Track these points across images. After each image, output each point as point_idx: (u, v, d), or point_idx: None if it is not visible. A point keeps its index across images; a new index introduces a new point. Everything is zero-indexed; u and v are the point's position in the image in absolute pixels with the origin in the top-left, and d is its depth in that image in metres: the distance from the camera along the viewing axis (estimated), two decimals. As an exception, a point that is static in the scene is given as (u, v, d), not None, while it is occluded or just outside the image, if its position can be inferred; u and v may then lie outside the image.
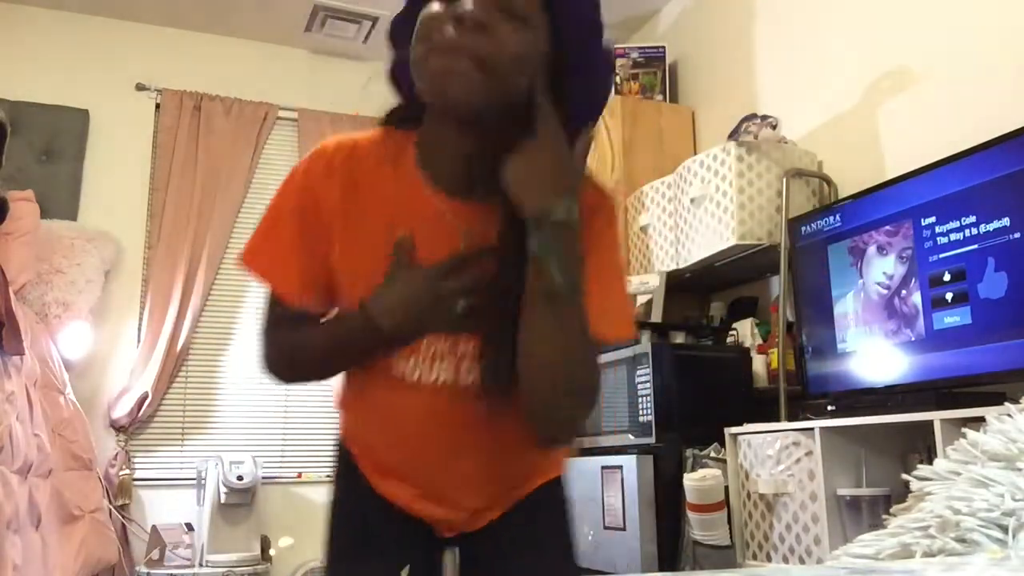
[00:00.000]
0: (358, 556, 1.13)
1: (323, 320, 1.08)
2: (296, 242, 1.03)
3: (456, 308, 0.99)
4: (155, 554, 2.96)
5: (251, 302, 3.49)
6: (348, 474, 1.17)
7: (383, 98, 1.19)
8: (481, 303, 0.99)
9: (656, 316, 2.68)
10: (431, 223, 1.01)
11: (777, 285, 2.51)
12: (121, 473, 3.11)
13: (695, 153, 3.00)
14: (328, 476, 3.34)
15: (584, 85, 1.01)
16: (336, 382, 1.18)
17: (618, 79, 3.22)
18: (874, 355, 2.05)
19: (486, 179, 0.98)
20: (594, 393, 0.99)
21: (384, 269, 1.00)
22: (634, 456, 2.28)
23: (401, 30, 1.02)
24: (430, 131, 1.03)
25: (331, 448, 1.24)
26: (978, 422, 1.44)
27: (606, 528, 2.34)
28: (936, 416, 1.63)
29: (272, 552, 3.19)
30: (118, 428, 3.19)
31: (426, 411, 1.05)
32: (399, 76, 1.09)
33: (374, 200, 1.03)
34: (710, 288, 2.99)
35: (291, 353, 1.09)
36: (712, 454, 2.24)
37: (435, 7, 0.95)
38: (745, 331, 2.64)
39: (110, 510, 2.90)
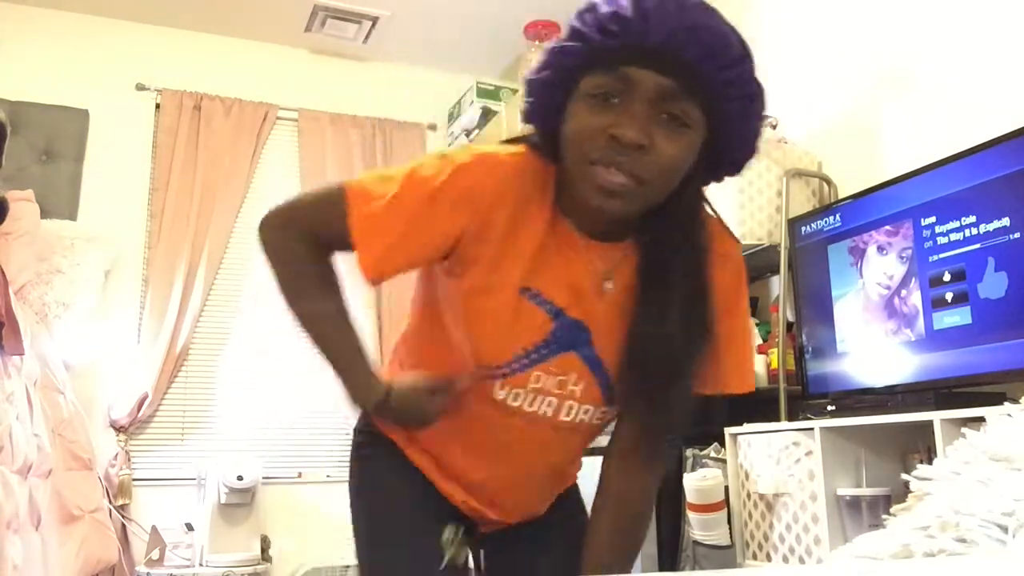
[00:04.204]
0: (407, 526, 1.16)
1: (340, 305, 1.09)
2: (409, 227, 1.00)
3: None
4: (155, 554, 2.96)
5: (251, 302, 3.49)
6: (388, 456, 1.19)
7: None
8: (612, 344, 1.04)
9: (656, 316, 2.68)
10: (574, 262, 1.04)
11: (777, 285, 2.51)
12: (121, 473, 3.11)
13: (695, 153, 2.99)
14: (329, 476, 3.38)
15: (738, 151, 1.01)
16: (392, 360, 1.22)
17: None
18: (874, 355, 2.05)
19: (622, 228, 1.04)
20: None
21: (511, 302, 1.02)
22: (634, 456, 2.27)
23: (541, 87, 0.99)
24: (572, 195, 1.01)
25: (356, 431, 1.27)
26: (978, 422, 1.44)
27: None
28: (936, 416, 1.63)
29: (272, 552, 3.18)
30: (118, 428, 3.18)
31: (519, 434, 1.10)
32: (535, 118, 1.04)
33: (521, 232, 1.02)
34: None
35: (292, 279, 1.09)
36: (712, 454, 2.24)
37: (588, 113, 0.93)
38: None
39: (110, 510, 2.90)
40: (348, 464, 1.26)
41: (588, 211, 1.00)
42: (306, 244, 1.06)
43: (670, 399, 1.04)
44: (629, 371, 1.04)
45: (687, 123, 0.92)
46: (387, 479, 1.20)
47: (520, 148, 1.04)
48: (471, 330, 1.04)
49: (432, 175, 0.99)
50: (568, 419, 1.08)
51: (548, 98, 0.99)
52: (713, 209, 1.08)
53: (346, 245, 1.02)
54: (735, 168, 1.03)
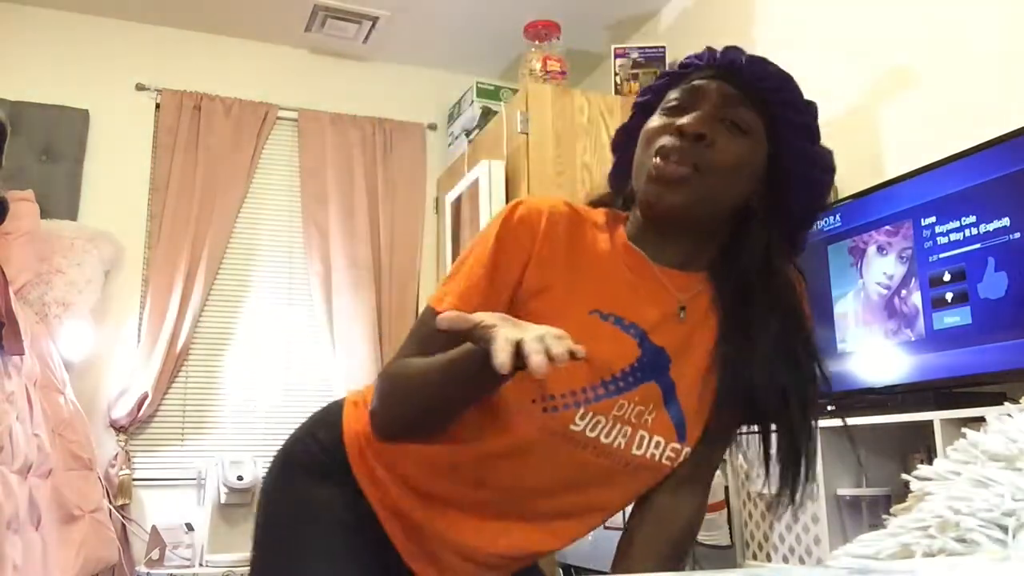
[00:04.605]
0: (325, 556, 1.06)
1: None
2: (485, 281, 1.00)
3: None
4: (155, 554, 2.96)
5: (251, 302, 3.49)
6: (342, 479, 1.09)
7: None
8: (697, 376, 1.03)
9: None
10: (650, 287, 1.04)
11: (777, 285, 2.50)
12: (121, 473, 3.11)
13: (695, 153, 2.99)
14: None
15: (802, 190, 1.06)
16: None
17: (618, 79, 3.22)
18: (874, 355, 2.05)
19: (696, 256, 1.06)
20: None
21: (581, 319, 0.99)
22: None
23: (623, 140, 1.10)
24: (640, 220, 1.05)
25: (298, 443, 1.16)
26: (978, 422, 1.44)
27: (606, 528, 2.33)
28: (936, 416, 1.63)
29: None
30: (118, 428, 3.18)
31: (578, 470, 1.03)
32: (616, 179, 1.14)
33: (592, 256, 1.03)
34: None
35: (402, 383, 1.00)
36: (712, 454, 2.24)
37: (658, 120, 1.02)
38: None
39: (110, 510, 2.90)
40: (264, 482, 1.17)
41: (659, 236, 1.03)
42: (408, 363, 1.01)
43: (799, 438, 1.03)
44: (727, 400, 1.04)
45: (747, 130, 1.00)
46: (314, 517, 1.08)
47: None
48: None
49: (490, 229, 1.03)
50: (640, 453, 1.03)
51: (629, 146, 1.06)
52: (796, 266, 1.11)
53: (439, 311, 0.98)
54: (805, 208, 1.07)
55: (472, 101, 3.61)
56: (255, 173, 3.59)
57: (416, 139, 3.84)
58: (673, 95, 1.03)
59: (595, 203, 1.12)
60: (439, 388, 0.96)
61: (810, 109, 1.04)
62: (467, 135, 3.60)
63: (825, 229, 2.23)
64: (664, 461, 1.04)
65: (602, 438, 1.00)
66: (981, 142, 1.83)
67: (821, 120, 1.07)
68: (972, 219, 1.82)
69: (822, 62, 2.58)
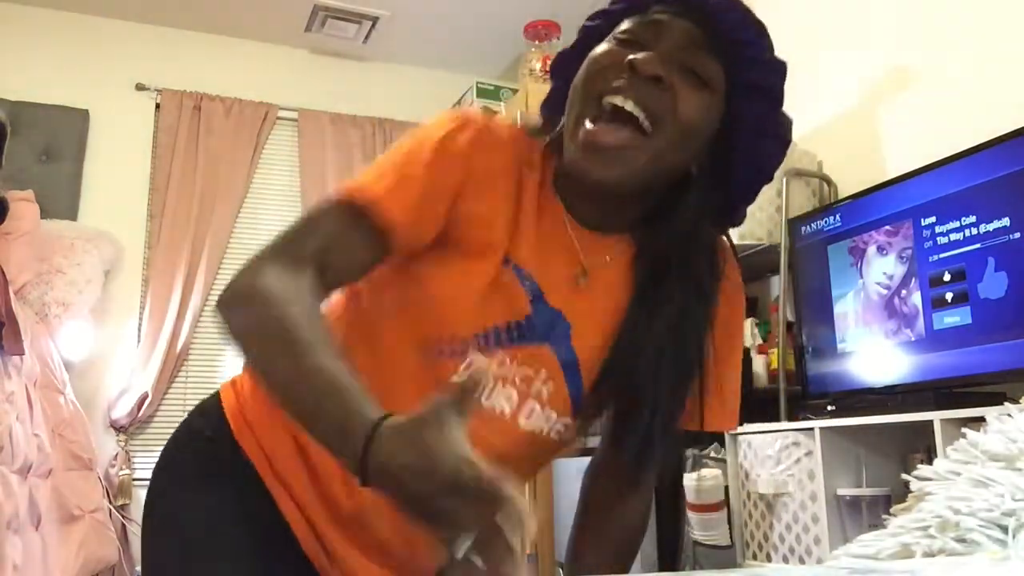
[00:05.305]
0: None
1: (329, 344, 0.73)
2: (420, 185, 0.85)
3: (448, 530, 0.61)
4: (155, 554, 2.96)
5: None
6: (233, 476, 0.90)
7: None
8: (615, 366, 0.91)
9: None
10: (559, 243, 0.92)
11: (777, 285, 2.51)
12: (121, 473, 3.11)
13: (695, 153, 3.00)
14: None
15: (751, 160, 0.92)
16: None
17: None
18: (874, 355, 2.05)
19: (618, 218, 0.93)
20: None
21: (493, 270, 0.87)
22: (634, 456, 2.27)
23: (565, 65, 0.93)
24: (567, 171, 0.91)
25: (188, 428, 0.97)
26: (978, 422, 1.44)
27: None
28: (936, 416, 1.63)
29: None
30: (118, 428, 3.19)
31: (494, 445, 0.84)
32: (550, 108, 0.97)
33: (518, 198, 0.91)
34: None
35: (265, 327, 0.74)
36: (712, 454, 2.24)
37: (606, 47, 0.87)
38: (745, 331, 2.64)
39: (110, 510, 2.90)
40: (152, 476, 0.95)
41: (582, 191, 0.91)
42: (287, 279, 0.77)
43: (654, 423, 0.90)
44: (609, 380, 0.92)
45: (708, 83, 0.85)
46: (206, 509, 0.89)
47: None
48: (440, 293, 0.87)
49: (431, 132, 0.88)
50: (527, 424, 0.90)
51: (569, 74, 0.90)
52: (726, 234, 0.99)
53: (369, 241, 0.83)
54: (749, 182, 0.94)
55: (472, 101, 3.61)
56: (255, 173, 3.59)
57: (416, 139, 3.84)
58: (627, 24, 0.87)
59: (533, 132, 0.96)
60: (303, 378, 0.70)
61: (780, 68, 0.90)
62: (467, 135, 3.59)
63: (825, 229, 2.23)
64: (552, 437, 0.93)
65: (482, 400, 0.87)
66: (981, 142, 1.83)
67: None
68: (972, 219, 1.81)
69: (822, 62, 2.58)
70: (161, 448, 0.97)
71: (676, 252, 0.91)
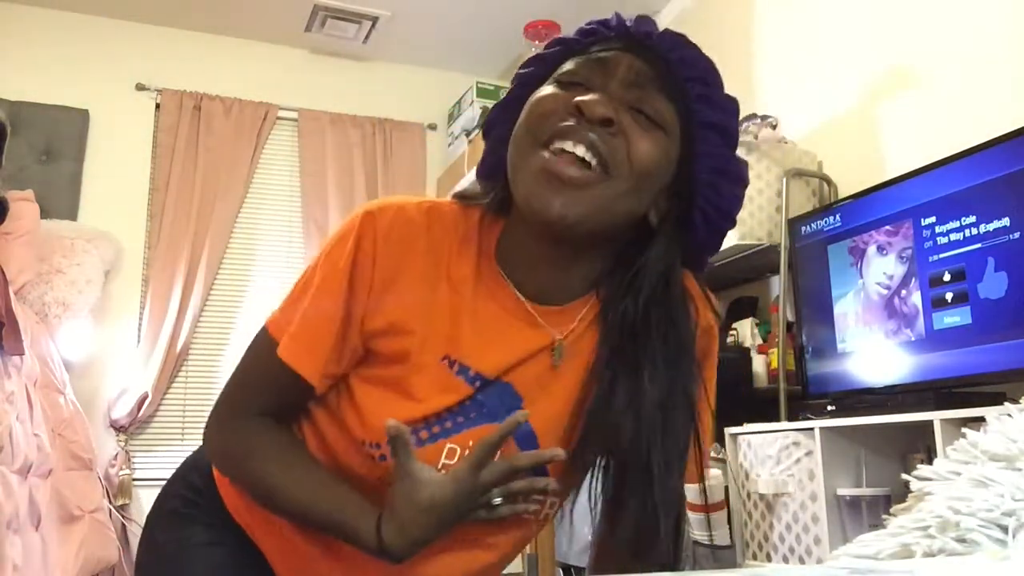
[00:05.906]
0: None
1: (316, 471, 0.87)
2: (335, 321, 0.84)
3: (490, 511, 0.82)
4: (155, 554, 2.96)
5: (251, 302, 3.49)
6: (215, 521, 0.96)
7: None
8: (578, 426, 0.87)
9: (656, 316, 2.68)
10: (516, 323, 0.86)
11: (777, 285, 2.51)
12: (121, 473, 3.11)
13: (695, 153, 2.99)
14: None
15: (711, 204, 0.86)
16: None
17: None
18: (874, 355, 2.05)
19: (577, 277, 0.87)
20: None
21: (432, 371, 0.84)
22: (634, 456, 2.27)
23: (500, 123, 0.87)
24: (515, 232, 0.86)
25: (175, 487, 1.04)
26: (978, 422, 1.44)
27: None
28: (936, 416, 1.63)
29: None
30: (118, 428, 3.19)
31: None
32: (487, 171, 0.90)
33: (449, 282, 0.85)
34: (710, 288, 2.97)
35: (261, 482, 0.87)
36: (712, 454, 2.24)
37: (550, 90, 0.81)
38: (745, 331, 2.64)
39: (110, 510, 2.90)
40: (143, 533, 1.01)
41: (531, 255, 0.84)
42: (263, 435, 0.88)
43: (654, 493, 0.84)
44: (586, 454, 0.87)
45: (662, 124, 0.80)
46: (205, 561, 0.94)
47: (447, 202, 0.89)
48: (364, 403, 0.86)
49: (335, 249, 0.85)
50: (506, 511, 0.84)
51: (509, 127, 0.83)
52: (697, 277, 0.93)
53: (297, 388, 0.86)
54: (712, 225, 0.87)
55: (472, 101, 3.61)
56: (255, 173, 3.59)
57: (416, 139, 3.84)
58: (569, 65, 0.82)
59: (465, 199, 0.89)
60: (303, 514, 0.86)
61: (733, 107, 0.85)
62: (467, 135, 3.60)
63: (825, 229, 2.23)
64: (524, 516, 0.88)
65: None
66: (981, 142, 1.83)
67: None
68: (972, 219, 1.82)
69: (822, 62, 2.58)
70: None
71: (649, 307, 0.85)
